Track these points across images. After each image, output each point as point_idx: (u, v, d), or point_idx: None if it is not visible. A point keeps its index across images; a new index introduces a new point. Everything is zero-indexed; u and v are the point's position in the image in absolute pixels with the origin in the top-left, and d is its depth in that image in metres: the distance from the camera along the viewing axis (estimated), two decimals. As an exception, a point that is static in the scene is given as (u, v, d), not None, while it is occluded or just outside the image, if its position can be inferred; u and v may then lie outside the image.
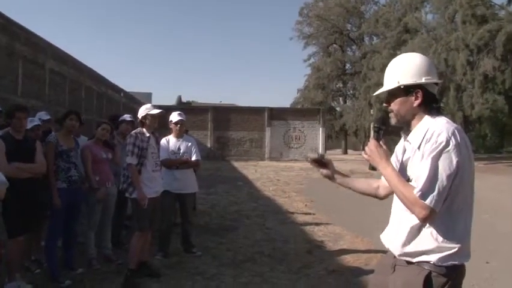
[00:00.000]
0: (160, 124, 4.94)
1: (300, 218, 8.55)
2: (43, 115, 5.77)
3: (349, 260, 5.66)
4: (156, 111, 4.78)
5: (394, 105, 2.11)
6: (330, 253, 6.02)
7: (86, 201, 5.07)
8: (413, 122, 2.08)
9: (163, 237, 5.58)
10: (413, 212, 1.92)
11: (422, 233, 1.97)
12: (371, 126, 31.38)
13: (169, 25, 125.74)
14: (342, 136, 42.14)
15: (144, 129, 4.73)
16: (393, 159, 2.17)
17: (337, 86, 42.54)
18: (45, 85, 12.82)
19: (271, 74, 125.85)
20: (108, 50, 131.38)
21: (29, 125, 4.72)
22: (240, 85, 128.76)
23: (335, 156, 33.96)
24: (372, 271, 5.06)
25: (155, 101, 37.69)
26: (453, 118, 23.50)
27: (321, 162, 2.52)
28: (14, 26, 10.25)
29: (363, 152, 2.15)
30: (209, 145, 28.43)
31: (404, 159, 2.10)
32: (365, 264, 5.46)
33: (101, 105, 18.88)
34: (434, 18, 24.77)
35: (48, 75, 12.98)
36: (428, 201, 1.85)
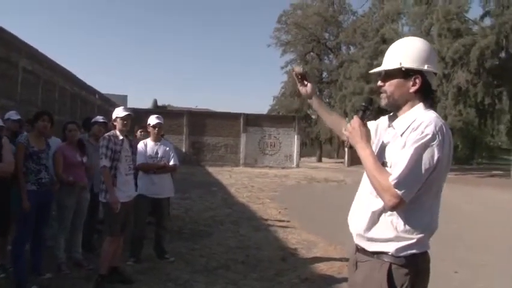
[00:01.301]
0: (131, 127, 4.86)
1: (274, 225, 8.53)
2: (13, 115, 5.61)
3: (322, 268, 5.67)
4: (124, 113, 4.71)
5: (389, 86, 2.05)
6: (304, 261, 6.02)
7: (57, 203, 4.95)
8: (404, 108, 2.03)
9: (136, 242, 5.49)
10: (382, 198, 1.89)
11: (382, 220, 1.95)
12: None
13: (146, 28, 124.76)
14: (317, 144, 42.41)
15: (117, 132, 4.65)
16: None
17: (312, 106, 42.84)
18: (18, 84, 12.52)
19: (248, 80, 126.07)
20: (83, 51, 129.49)
21: None
22: (216, 90, 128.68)
23: (309, 164, 34.21)
24: (345, 279, 5.13)
25: (131, 103, 37.33)
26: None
27: (304, 78, 2.47)
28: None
29: (343, 129, 2.07)
30: (184, 150, 28.18)
31: (382, 143, 2.05)
32: (338, 272, 5.47)
33: (75, 107, 18.54)
34: (410, 30, 25.29)
35: (21, 74, 12.69)
36: (401, 191, 1.82)
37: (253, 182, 17.71)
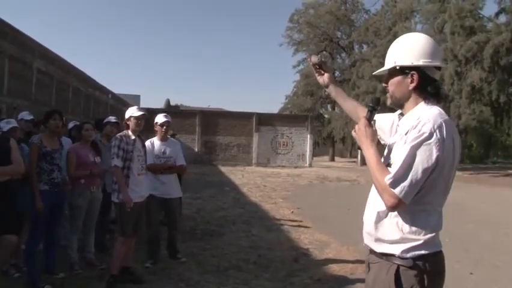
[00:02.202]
0: (144, 127, 4.84)
1: (286, 225, 8.50)
2: (26, 115, 5.66)
3: (335, 268, 5.62)
4: (139, 113, 4.71)
5: (390, 86, 2.05)
6: (316, 261, 5.98)
7: (70, 203, 4.97)
8: (407, 106, 2.01)
9: (152, 243, 5.43)
10: (381, 198, 1.87)
11: (388, 222, 1.93)
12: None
13: (159, 28, 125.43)
14: (330, 143, 42.29)
15: (130, 132, 4.66)
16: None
17: (326, 93, 42.61)
18: (32, 85, 12.66)
19: (261, 80, 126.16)
20: (97, 51, 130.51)
21: (6, 127, 4.62)
22: (229, 90, 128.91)
23: (322, 163, 34.10)
24: (357, 280, 5.09)
25: (144, 103, 37.53)
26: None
27: (321, 68, 2.48)
28: (2, 24, 10.10)
29: (352, 130, 2.07)
30: (196, 149, 28.29)
31: (391, 143, 2.04)
32: (351, 273, 5.42)
33: (89, 107, 18.71)
34: (423, 28, 25.02)
35: (35, 75, 12.82)
36: (397, 191, 1.79)
37: (265, 182, 17.69)
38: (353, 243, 6.87)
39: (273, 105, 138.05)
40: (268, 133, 29.31)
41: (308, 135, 29.50)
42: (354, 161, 35.34)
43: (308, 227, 8.33)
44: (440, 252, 1.95)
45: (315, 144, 35.68)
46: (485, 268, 5.91)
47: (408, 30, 25.42)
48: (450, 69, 21.66)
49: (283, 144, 29.49)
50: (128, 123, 4.70)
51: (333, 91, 2.50)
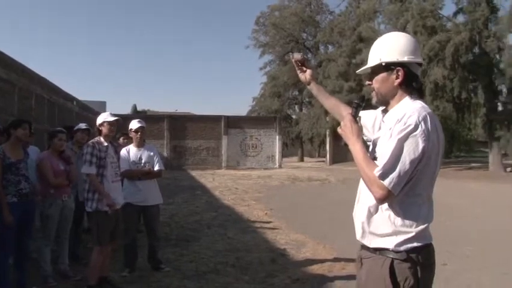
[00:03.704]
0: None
1: (261, 227, 8.50)
2: None
3: (313, 267, 5.66)
4: (112, 118, 4.62)
5: (375, 83, 2.08)
6: (294, 261, 6.00)
7: (41, 214, 4.81)
8: (392, 102, 2.05)
9: (128, 252, 5.29)
10: (370, 191, 1.90)
11: (379, 216, 1.96)
12: (327, 133, 32.14)
13: (123, 34, 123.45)
14: (298, 144, 42.57)
15: (102, 139, 4.55)
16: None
17: (293, 94, 43.01)
18: (-7, 93, 12.23)
19: (228, 83, 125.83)
20: (61, 58, 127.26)
21: None
22: (196, 94, 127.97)
23: (291, 163, 34.31)
24: (336, 278, 5.15)
25: (110, 109, 36.79)
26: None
27: (303, 65, 2.51)
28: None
29: (338, 127, 2.10)
30: (166, 154, 27.94)
31: (375, 138, 2.08)
32: (328, 271, 5.48)
33: (53, 114, 18.23)
34: (386, 28, 25.52)
35: (-4, 83, 12.40)
36: (386, 182, 1.82)
37: (237, 184, 17.66)
38: (328, 242, 6.96)
39: (241, 107, 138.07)
40: (237, 136, 29.27)
41: (277, 137, 29.62)
42: (323, 161, 35.66)
43: (283, 228, 8.35)
44: (431, 244, 2.00)
45: (284, 145, 35.86)
46: (457, 258, 6.07)
47: (372, 30, 25.96)
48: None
49: (253, 146, 29.49)
50: (101, 128, 4.59)
51: (314, 89, 2.53)
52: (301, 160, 40.93)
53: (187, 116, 33.37)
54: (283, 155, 32.35)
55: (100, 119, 4.62)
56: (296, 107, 44.39)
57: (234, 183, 18.08)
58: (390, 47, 2.04)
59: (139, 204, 5.27)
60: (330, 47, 38.63)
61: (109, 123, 4.57)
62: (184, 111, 46.74)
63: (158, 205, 5.54)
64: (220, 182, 18.89)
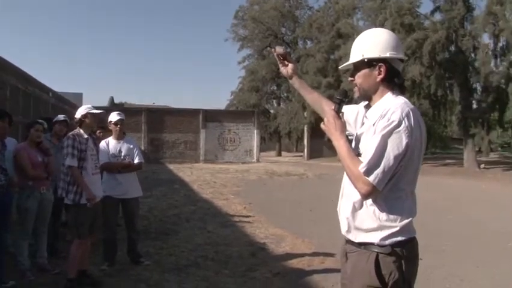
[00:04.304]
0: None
1: (240, 221, 8.52)
2: None
3: (292, 262, 5.70)
4: (97, 111, 4.57)
5: (358, 79, 2.10)
6: (274, 255, 6.04)
7: (18, 206, 4.71)
8: (375, 98, 2.07)
9: (108, 245, 5.24)
10: (355, 187, 1.93)
11: (364, 211, 1.99)
12: (305, 128, 32.31)
13: (101, 26, 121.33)
14: (276, 138, 42.71)
15: (81, 131, 4.48)
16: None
17: (271, 88, 43.11)
18: (-35, 83, 11.92)
19: (206, 76, 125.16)
20: (36, 48, 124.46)
21: None
22: (174, 87, 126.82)
23: (269, 158, 34.40)
24: (314, 272, 5.21)
25: (86, 101, 36.09)
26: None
27: (285, 59, 2.50)
28: None
29: (322, 123, 2.11)
30: (143, 147, 27.68)
31: (359, 134, 2.10)
32: (308, 265, 5.53)
33: (28, 106, 17.84)
34: (365, 24, 25.76)
35: (-32, 73, 12.08)
36: (371, 178, 1.85)
37: (215, 178, 17.63)
38: (307, 236, 7.02)
39: (219, 101, 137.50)
40: (215, 129, 29.20)
41: (255, 131, 29.66)
42: (301, 156, 35.90)
43: (262, 222, 8.39)
44: (415, 238, 2.04)
45: (262, 139, 35.94)
46: (433, 253, 6.18)
47: (351, 26, 26.16)
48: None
49: (231, 140, 29.48)
50: (84, 120, 4.51)
51: (296, 83, 2.52)
52: (279, 155, 41.08)
53: (165, 109, 33.10)
54: (261, 149, 32.42)
55: (82, 110, 4.54)
56: (274, 101, 44.51)
57: (212, 177, 18.04)
58: (373, 43, 2.06)
59: (119, 197, 5.23)
60: (308, 42, 38.84)
61: (94, 115, 4.52)
62: (162, 104, 46.31)
63: (137, 198, 5.52)
64: (199, 175, 18.84)
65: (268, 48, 39.14)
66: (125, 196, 5.28)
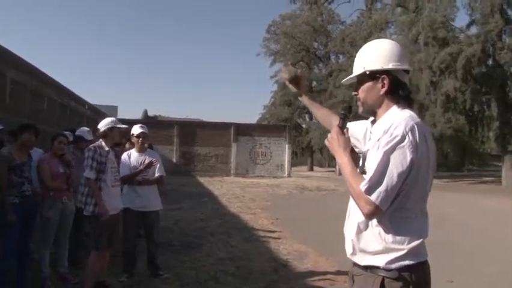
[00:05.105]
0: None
1: (265, 236, 8.43)
2: None
3: (314, 279, 5.58)
4: (123, 126, 4.66)
5: (361, 93, 2.01)
6: (295, 272, 5.92)
7: (40, 216, 4.81)
8: (380, 112, 1.97)
9: (128, 257, 5.25)
10: (358, 206, 1.82)
11: (369, 232, 1.87)
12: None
13: (137, 39, 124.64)
14: (308, 153, 42.44)
15: (103, 143, 4.54)
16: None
17: (301, 103, 42.97)
18: (6, 95, 12.37)
19: (238, 90, 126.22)
20: (73, 62, 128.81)
21: None
22: (207, 101, 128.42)
23: (300, 173, 34.17)
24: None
25: (121, 114, 37.01)
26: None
27: (297, 82, 2.47)
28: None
29: (326, 140, 2.03)
30: (174, 160, 28.05)
31: (365, 150, 2.00)
32: (330, 284, 5.39)
33: (64, 117, 18.37)
34: (398, 38, 25.46)
35: (9, 85, 12.54)
36: (373, 197, 1.74)
37: (244, 192, 17.60)
38: (332, 254, 6.84)
39: (251, 115, 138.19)
40: (247, 143, 29.27)
41: (286, 145, 29.55)
42: (333, 171, 35.53)
43: (287, 238, 8.27)
44: (426, 262, 1.90)
45: (294, 154, 35.78)
46: (464, 275, 5.95)
47: (384, 41, 25.87)
48: (425, 79, 22.09)
49: (262, 155, 29.46)
50: (108, 133, 4.57)
51: (305, 100, 2.49)
52: (311, 169, 40.78)
53: (196, 123, 33.44)
54: (293, 164, 32.26)
55: (107, 124, 4.60)
56: (307, 116, 44.31)
57: (242, 191, 18.02)
58: (375, 54, 1.98)
59: (139, 209, 5.23)
60: (341, 56, 38.64)
61: (120, 130, 4.58)
62: (195, 117, 46.80)
63: (157, 211, 5.50)
64: (228, 189, 18.85)
65: (301, 62, 39.23)
66: (144, 209, 5.27)
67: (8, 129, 5.32)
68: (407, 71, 2.00)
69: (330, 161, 44.68)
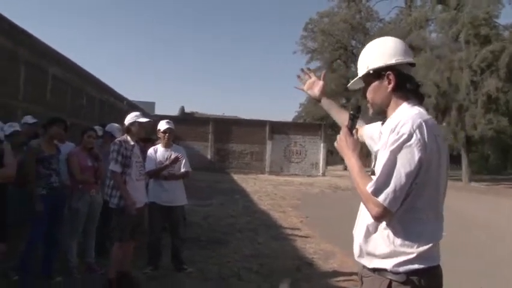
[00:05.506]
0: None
1: (293, 234, 8.39)
2: (29, 119, 5.72)
3: (338, 279, 5.52)
4: (144, 119, 4.69)
5: (369, 94, 1.98)
6: (319, 272, 5.88)
7: (69, 207, 4.97)
8: (389, 111, 1.93)
9: (152, 250, 5.34)
10: (366, 208, 1.78)
11: (378, 235, 1.83)
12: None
13: (175, 37, 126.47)
14: (344, 152, 41.93)
15: (128, 137, 4.63)
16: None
17: (340, 101, 42.54)
18: (47, 91, 12.82)
19: (274, 88, 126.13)
20: (112, 58, 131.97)
21: (8, 131, 4.65)
22: (244, 98, 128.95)
23: (335, 172, 33.81)
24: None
25: (158, 110, 37.72)
26: (455, 138, 23.47)
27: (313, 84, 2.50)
28: (18, 31, 10.25)
29: (335, 142, 2.01)
30: (209, 157, 28.32)
31: (375, 151, 1.94)
32: (354, 285, 5.29)
33: (103, 113, 18.85)
34: (438, 37, 24.82)
35: (50, 81, 12.98)
36: (381, 199, 1.69)
37: (276, 190, 17.59)
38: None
39: (287, 113, 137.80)
40: (282, 141, 29.20)
41: (322, 144, 29.32)
42: (368, 171, 34.95)
43: (315, 237, 8.21)
44: (437, 266, 1.83)
45: (329, 153, 35.42)
46: (498, 282, 5.75)
47: (423, 38, 25.23)
48: (465, 79, 21.40)
49: (297, 153, 29.33)
50: (130, 128, 4.67)
51: (325, 104, 2.48)
52: (346, 169, 40.28)
53: (232, 120, 33.62)
54: (328, 162, 31.97)
55: (130, 118, 4.69)
56: (343, 115, 43.76)
57: (274, 189, 18.01)
58: (377, 53, 1.95)
59: (165, 204, 5.29)
60: (380, 55, 37.94)
61: (140, 124, 4.65)
62: (231, 115, 47.09)
63: (183, 206, 5.57)
64: (261, 186, 18.88)
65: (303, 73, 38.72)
66: (170, 204, 5.33)
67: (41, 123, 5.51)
68: (412, 65, 1.95)
69: (365, 160, 44.14)
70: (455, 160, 29.63)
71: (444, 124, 25.71)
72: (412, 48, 26.08)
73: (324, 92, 2.47)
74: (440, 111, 24.15)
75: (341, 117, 2.41)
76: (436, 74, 22.02)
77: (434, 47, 25.02)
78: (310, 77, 2.54)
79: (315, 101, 2.56)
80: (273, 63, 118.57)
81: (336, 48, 40.73)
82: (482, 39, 20.39)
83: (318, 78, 2.52)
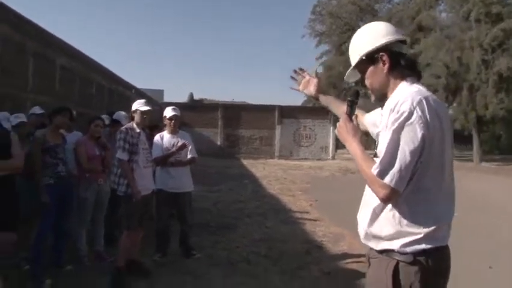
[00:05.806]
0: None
1: (302, 218, 8.41)
2: (36, 109, 5.75)
3: (347, 261, 5.53)
4: (145, 107, 4.70)
5: (367, 81, 1.97)
6: (329, 254, 5.90)
7: (77, 197, 5.00)
8: (389, 93, 1.90)
9: (161, 237, 5.38)
10: (373, 191, 1.76)
11: (384, 216, 1.81)
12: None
13: (183, 24, 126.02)
14: (354, 135, 41.74)
15: (134, 125, 4.65)
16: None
17: (349, 84, 42.23)
18: (56, 81, 12.87)
19: (283, 72, 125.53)
20: (121, 47, 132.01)
21: (15, 121, 4.68)
22: (252, 83, 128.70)
23: (345, 155, 33.69)
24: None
25: (167, 98, 37.82)
26: (466, 118, 23.22)
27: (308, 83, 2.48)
28: (26, 23, 10.28)
29: (335, 129, 2.01)
30: (219, 143, 28.36)
31: (376, 133, 1.95)
32: (363, 266, 5.30)
33: (112, 102, 18.92)
34: (448, 16, 24.40)
35: (58, 72, 13.03)
36: (387, 180, 1.67)
37: (286, 174, 17.59)
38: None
39: (296, 98, 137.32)
40: (291, 126, 29.12)
41: (331, 128, 29.12)
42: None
43: (324, 220, 8.22)
44: (446, 247, 1.82)
45: (339, 136, 35.32)
46: (507, 262, 5.72)
47: (433, 19, 24.84)
48: (476, 58, 21.07)
49: (306, 137, 29.26)
50: (134, 115, 4.70)
51: (324, 100, 2.45)
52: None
53: (240, 105, 33.57)
54: (338, 146, 31.83)
55: (133, 106, 4.72)
56: (352, 98, 43.44)
57: (284, 173, 18.02)
58: (364, 38, 1.94)
59: (172, 191, 5.31)
60: (388, 36, 37.48)
61: (141, 112, 4.66)
62: (240, 100, 47.06)
63: (190, 192, 5.59)
64: (270, 171, 18.89)
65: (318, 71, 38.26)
66: (177, 190, 5.34)
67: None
68: (403, 42, 1.93)
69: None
70: (466, 140, 29.35)
71: (455, 104, 25.45)
72: (421, 28, 25.94)
73: (320, 89, 2.45)
74: (450, 92, 23.86)
75: (341, 110, 2.40)
76: (446, 54, 21.70)
77: (444, 26, 24.66)
78: (304, 77, 2.50)
79: (314, 99, 2.52)
80: (282, 49, 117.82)
81: (345, 30, 40.18)
82: (494, 17, 19.97)
83: (312, 76, 2.49)
